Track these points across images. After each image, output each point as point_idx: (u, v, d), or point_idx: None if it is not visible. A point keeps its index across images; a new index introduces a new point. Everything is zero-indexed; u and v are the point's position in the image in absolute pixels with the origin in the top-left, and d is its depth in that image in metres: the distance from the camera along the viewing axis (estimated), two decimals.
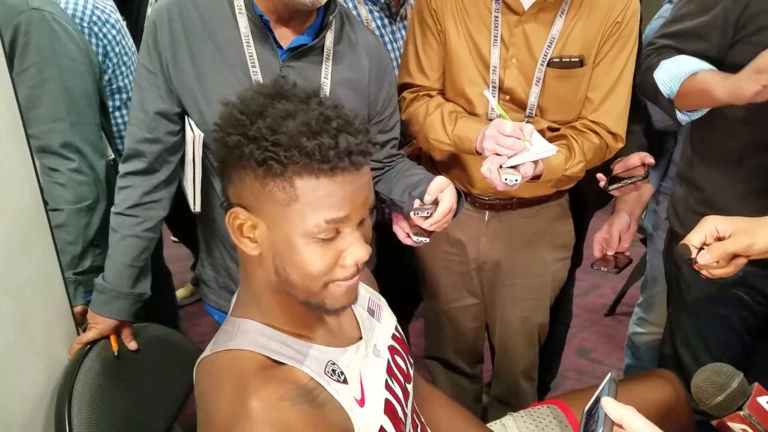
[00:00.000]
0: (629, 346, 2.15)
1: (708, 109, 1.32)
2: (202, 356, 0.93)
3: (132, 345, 1.33)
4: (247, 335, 0.90)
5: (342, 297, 0.89)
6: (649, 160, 1.51)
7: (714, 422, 0.96)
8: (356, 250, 0.85)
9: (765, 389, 0.93)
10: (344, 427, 0.88)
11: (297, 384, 0.86)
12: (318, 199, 0.80)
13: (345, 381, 0.92)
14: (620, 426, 0.78)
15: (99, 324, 1.28)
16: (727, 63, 1.28)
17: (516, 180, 1.23)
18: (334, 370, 0.92)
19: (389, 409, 0.97)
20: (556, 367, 2.27)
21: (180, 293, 2.90)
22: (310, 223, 0.81)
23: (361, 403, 0.92)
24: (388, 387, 1.00)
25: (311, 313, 0.93)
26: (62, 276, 1.26)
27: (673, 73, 1.30)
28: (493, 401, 1.87)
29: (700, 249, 1.03)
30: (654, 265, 1.97)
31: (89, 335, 1.28)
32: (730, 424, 0.93)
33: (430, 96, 1.51)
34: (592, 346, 2.73)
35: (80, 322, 1.34)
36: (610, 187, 1.50)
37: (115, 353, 1.29)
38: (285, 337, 0.91)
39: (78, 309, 1.35)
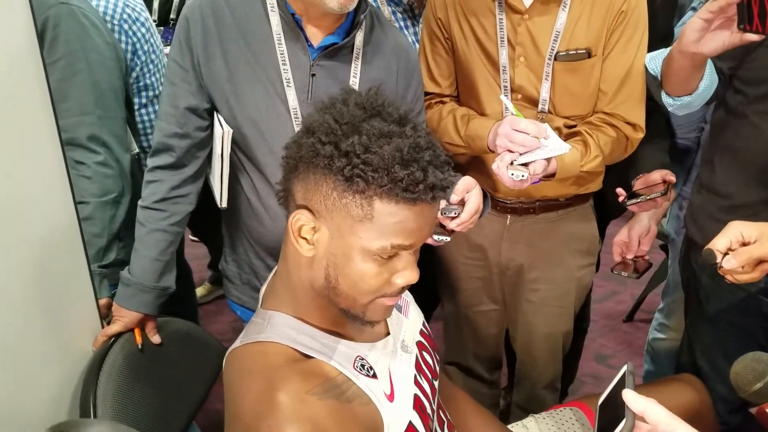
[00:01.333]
0: (649, 351, 2.13)
1: (694, 99, 1.30)
2: (231, 348, 0.93)
3: (156, 338, 1.34)
4: (276, 328, 0.91)
5: (382, 312, 0.91)
6: (670, 177, 1.51)
7: (752, 410, 0.96)
8: (409, 273, 0.87)
9: None
10: (374, 422, 0.88)
11: (325, 378, 0.86)
12: (391, 224, 0.82)
13: (374, 376, 0.92)
14: (642, 418, 0.77)
15: (124, 317, 1.29)
16: (748, 68, 1.26)
17: (522, 176, 1.23)
18: (363, 365, 0.92)
19: (418, 405, 0.97)
20: (573, 373, 2.25)
21: (198, 292, 2.91)
22: (376, 243, 0.83)
23: (391, 398, 0.92)
24: (416, 382, 1.00)
25: None
26: (89, 268, 1.27)
27: (662, 52, 1.31)
28: (514, 408, 1.86)
29: (725, 254, 1.03)
30: (676, 270, 1.95)
31: (114, 328, 1.29)
32: None
33: (443, 102, 1.52)
34: (611, 353, 2.70)
35: (104, 315, 1.35)
36: (629, 202, 1.50)
37: (139, 346, 1.30)
38: (314, 332, 0.92)
39: (102, 302, 1.36)
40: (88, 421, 1.06)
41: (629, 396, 0.79)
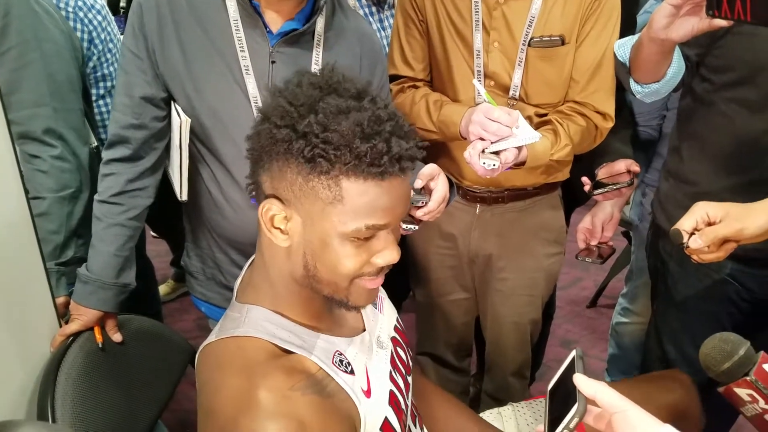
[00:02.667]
0: (613, 336, 2.17)
1: (662, 86, 1.31)
2: (206, 342, 0.91)
3: (117, 337, 1.30)
4: (254, 322, 0.88)
5: (366, 295, 0.89)
6: (635, 167, 1.53)
7: (721, 389, 0.98)
8: (389, 253, 0.86)
9: None
10: (352, 418, 0.87)
11: (307, 374, 0.84)
12: (363, 204, 0.80)
13: (352, 372, 0.91)
14: (593, 401, 0.77)
15: (83, 315, 1.24)
16: (715, 54, 1.28)
17: (494, 165, 1.23)
18: (341, 361, 0.90)
19: (393, 401, 0.96)
20: (540, 359, 2.28)
21: (162, 289, 2.85)
22: (350, 225, 0.81)
23: (368, 394, 0.91)
24: (391, 378, 0.99)
25: (324, 304, 0.92)
26: (44, 266, 1.23)
27: (630, 39, 1.32)
28: (484, 396, 1.87)
29: (691, 234, 1.04)
30: (639, 256, 1.98)
31: (72, 327, 1.24)
32: (737, 390, 0.96)
33: (416, 87, 1.51)
34: (575, 338, 2.74)
35: (62, 314, 1.30)
36: (595, 192, 1.52)
37: (100, 345, 1.26)
38: (293, 326, 0.90)
39: (60, 300, 1.32)
40: (15, 421, 1.02)
41: (580, 380, 0.78)
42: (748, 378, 0.95)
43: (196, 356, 0.92)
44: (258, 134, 0.84)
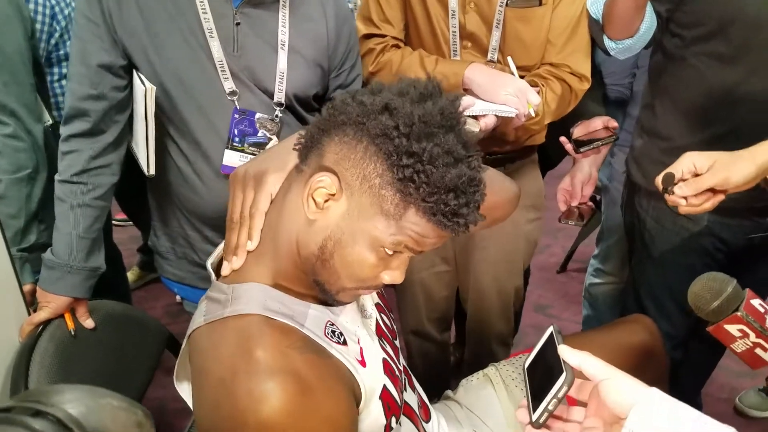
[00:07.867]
0: (586, 297, 2.19)
1: (636, 41, 1.31)
2: (194, 327, 0.86)
3: (89, 323, 1.23)
4: (242, 298, 0.84)
5: (353, 298, 0.90)
6: (613, 123, 1.54)
7: (710, 328, 0.99)
8: (397, 274, 0.85)
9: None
10: (351, 383, 0.85)
11: (302, 335, 0.82)
12: (412, 232, 0.80)
13: (344, 342, 0.88)
14: (579, 370, 0.78)
15: (51, 302, 1.18)
16: (685, 10, 1.28)
17: (474, 131, 1.21)
18: (333, 331, 0.88)
19: (387, 369, 0.94)
20: (517, 324, 2.29)
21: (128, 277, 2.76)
22: (389, 239, 0.80)
23: (363, 363, 0.89)
24: (381, 347, 0.97)
25: None
26: (8, 252, 1.16)
27: None
28: (465, 367, 1.86)
29: (676, 184, 1.04)
30: (609, 216, 2.00)
31: (41, 315, 1.18)
32: (727, 327, 0.97)
33: (399, 47, 1.47)
34: (548, 302, 2.78)
35: (30, 302, 1.24)
36: (582, 150, 1.51)
37: (72, 332, 1.20)
38: (283, 297, 0.86)
39: (27, 288, 1.24)
40: (61, 387, 0.96)
41: (565, 351, 0.79)
42: (738, 313, 0.96)
43: (184, 342, 0.88)
44: (366, 113, 0.79)
